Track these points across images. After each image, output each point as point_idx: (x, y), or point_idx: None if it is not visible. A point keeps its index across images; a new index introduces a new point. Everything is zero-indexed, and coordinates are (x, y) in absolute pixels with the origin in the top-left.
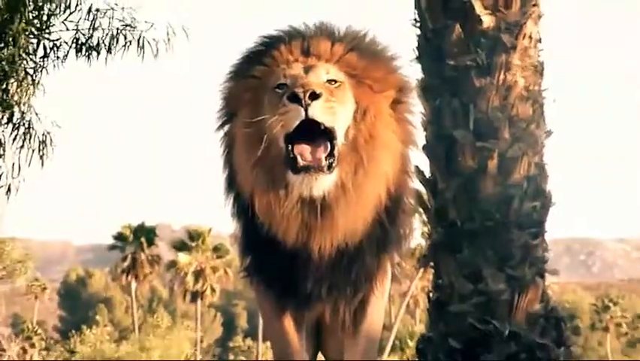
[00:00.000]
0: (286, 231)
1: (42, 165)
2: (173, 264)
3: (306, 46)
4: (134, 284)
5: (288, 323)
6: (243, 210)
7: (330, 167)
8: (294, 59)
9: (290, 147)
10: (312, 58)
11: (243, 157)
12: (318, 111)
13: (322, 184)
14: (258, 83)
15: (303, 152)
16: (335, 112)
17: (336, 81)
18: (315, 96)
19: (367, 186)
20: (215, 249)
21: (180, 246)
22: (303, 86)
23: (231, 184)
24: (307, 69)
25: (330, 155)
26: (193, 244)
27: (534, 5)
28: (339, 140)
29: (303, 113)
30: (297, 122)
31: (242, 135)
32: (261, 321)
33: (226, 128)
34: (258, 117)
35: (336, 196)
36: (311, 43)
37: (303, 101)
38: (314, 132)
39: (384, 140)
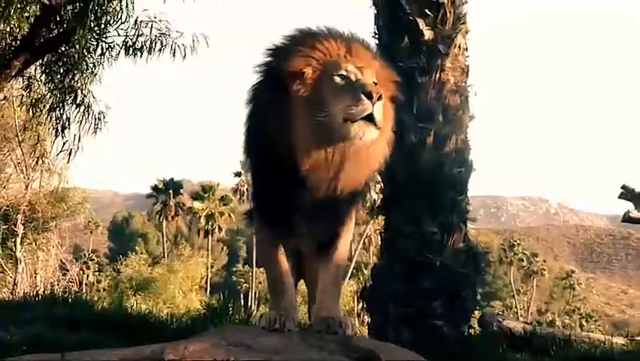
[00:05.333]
0: (320, 174)
1: (95, 135)
2: (191, 210)
3: (349, 47)
4: (164, 224)
5: (280, 252)
6: (263, 167)
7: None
8: (343, 56)
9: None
10: (355, 59)
11: (303, 116)
12: (378, 111)
13: (372, 134)
14: (317, 63)
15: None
16: (381, 112)
17: (375, 84)
18: (380, 98)
19: (377, 154)
20: (222, 198)
21: (196, 196)
22: (373, 87)
23: (256, 144)
24: (360, 69)
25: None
26: (206, 195)
27: (463, 23)
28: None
29: (371, 109)
30: (364, 115)
31: (302, 100)
32: (255, 252)
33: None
34: (318, 92)
35: (366, 153)
36: (351, 46)
37: (373, 100)
38: None
39: (386, 129)
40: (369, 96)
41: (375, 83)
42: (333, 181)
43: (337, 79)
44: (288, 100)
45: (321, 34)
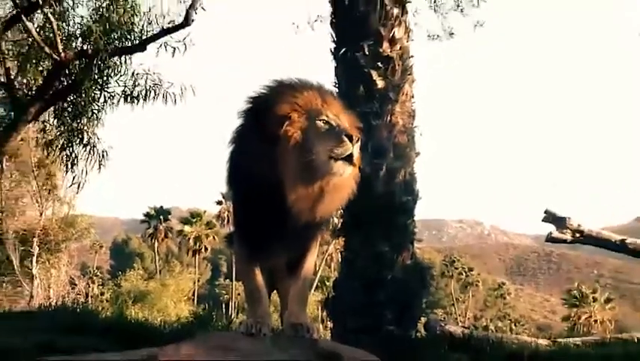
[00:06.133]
0: (303, 204)
1: (99, 170)
2: (181, 232)
3: (324, 98)
4: (156, 244)
5: (256, 268)
6: (245, 199)
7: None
8: (320, 105)
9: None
10: (331, 107)
11: (291, 155)
12: (356, 151)
13: (350, 170)
14: (299, 109)
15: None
16: (358, 151)
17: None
18: (358, 140)
19: (349, 186)
20: (208, 223)
21: (186, 221)
22: (353, 131)
23: (239, 178)
24: (337, 116)
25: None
26: (194, 220)
27: (409, 74)
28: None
29: (351, 150)
30: (346, 155)
31: (290, 141)
32: (235, 268)
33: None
34: (305, 134)
35: (342, 187)
36: (325, 96)
37: (354, 142)
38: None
39: (355, 167)
40: (351, 139)
41: None
42: (313, 210)
43: (320, 123)
44: (274, 141)
45: (299, 85)
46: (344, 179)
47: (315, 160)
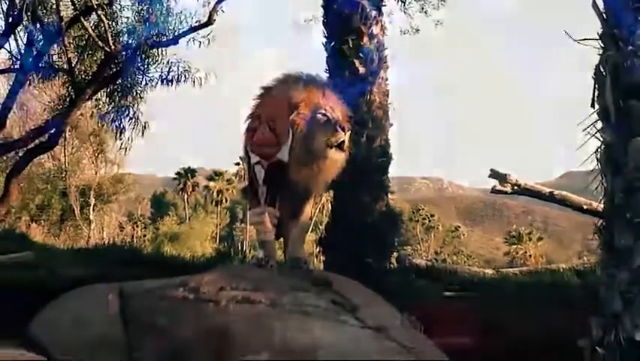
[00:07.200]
0: (303, 178)
1: (142, 137)
2: (207, 187)
3: (323, 91)
4: (186, 197)
5: (266, 216)
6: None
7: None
8: (321, 98)
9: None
10: (328, 100)
11: (297, 140)
12: (347, 138)
13: (340, 156)
14: (305, 101)
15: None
16: (349, 138)
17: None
18: (349, 130)
19: (339, 166)
20: (228, 180)
21: (210, 178)
22: (345, 123)
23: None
24: (333, 108)
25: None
26: (217, 178)
27: (385, 62)
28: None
29: (344, 137)
30: (340, 141)
31: (300, 127)
32: (248, 215)
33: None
34: (307, 123)
35: (333, 167)
36: (324, 90)
37: (345, 131)
38: None
39: (345, 152)
40: (343, 129)
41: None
42: (310, 181)
43: (320, 115)
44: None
45: (304, 79)
46: (335, 161)
47: (315, 146)
